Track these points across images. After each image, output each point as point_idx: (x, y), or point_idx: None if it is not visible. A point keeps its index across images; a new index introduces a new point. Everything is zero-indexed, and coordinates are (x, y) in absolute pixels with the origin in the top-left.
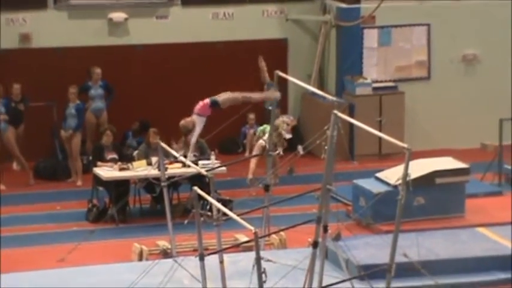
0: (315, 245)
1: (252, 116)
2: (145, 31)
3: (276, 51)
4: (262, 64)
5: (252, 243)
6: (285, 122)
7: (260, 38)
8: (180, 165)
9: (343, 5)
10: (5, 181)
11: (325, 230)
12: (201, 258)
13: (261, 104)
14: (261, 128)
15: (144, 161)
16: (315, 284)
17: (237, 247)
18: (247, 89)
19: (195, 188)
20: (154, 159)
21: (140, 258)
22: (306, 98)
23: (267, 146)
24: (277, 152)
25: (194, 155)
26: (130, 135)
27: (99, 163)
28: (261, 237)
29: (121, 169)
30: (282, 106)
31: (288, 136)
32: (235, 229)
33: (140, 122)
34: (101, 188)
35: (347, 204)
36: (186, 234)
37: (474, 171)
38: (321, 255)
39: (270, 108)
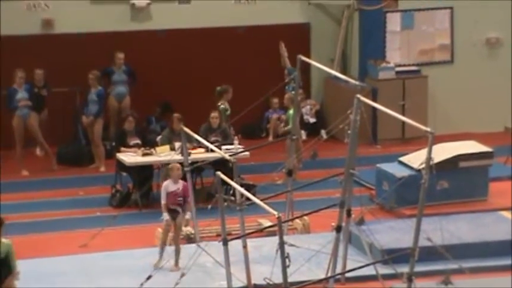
0: (338, 229)
1: (275, 100)
2: (168, 16)
3: (298, 36)
4: (283, 50)
5: (276, 228)
6: (308, 105)
7: (282, 23)
8: (203, 150)
9: None
10: (28, 167)
11: (349, 214)
12: (225, 243)
13: (283, 88)
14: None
15: (167, 146)
16: (339, 268)
17: (261, 232)
18: (267, 74)
19: (219, 172)
20: (177, 145)
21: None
22: (329, 82)
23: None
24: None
25: (217, 140)
26: (153, 121)
27: (122, 148)
28: (284, 222)
29: (144, 154)
30: (305, 90)
31: (312, 120)
32: (258, 214)
33: (161, 105)
34: (124, 174)
35: (370, 189)
36: (210, 219)
37: (497, 155)
38: (344, 240)
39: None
